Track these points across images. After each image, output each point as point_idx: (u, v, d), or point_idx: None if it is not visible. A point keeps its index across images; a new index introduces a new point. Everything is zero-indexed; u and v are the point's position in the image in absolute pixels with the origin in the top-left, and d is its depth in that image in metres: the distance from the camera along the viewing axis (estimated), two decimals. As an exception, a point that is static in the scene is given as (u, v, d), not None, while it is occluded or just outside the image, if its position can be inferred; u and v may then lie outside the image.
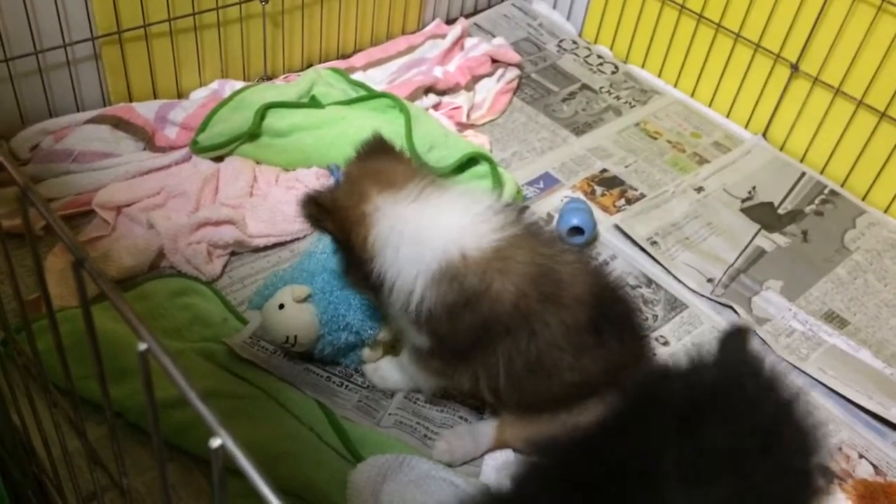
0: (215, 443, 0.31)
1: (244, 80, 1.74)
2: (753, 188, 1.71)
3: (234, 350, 1.25)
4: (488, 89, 1.86)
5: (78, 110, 1.55)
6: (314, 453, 1.13)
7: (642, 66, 2.02)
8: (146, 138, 1.54)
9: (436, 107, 1.76)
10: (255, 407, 1.19)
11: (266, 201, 1.48)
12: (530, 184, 1.66)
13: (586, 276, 1.07)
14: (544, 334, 1.03)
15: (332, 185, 1.06)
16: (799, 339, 1.41)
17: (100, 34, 1.50)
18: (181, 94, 1.67)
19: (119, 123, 1.53)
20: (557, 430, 1.11)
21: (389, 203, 1.03)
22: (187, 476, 1.10)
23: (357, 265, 1.05)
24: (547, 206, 1.60)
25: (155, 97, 1.64)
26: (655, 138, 1.83)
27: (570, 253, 1.10)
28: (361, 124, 1.57)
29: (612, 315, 1.10)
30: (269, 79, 1.77)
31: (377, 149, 1.12)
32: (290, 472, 1.09)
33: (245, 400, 1.19)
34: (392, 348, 1.26)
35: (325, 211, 1.05)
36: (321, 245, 1.29)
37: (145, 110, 1.57)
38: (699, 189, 1.70)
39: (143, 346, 0.34)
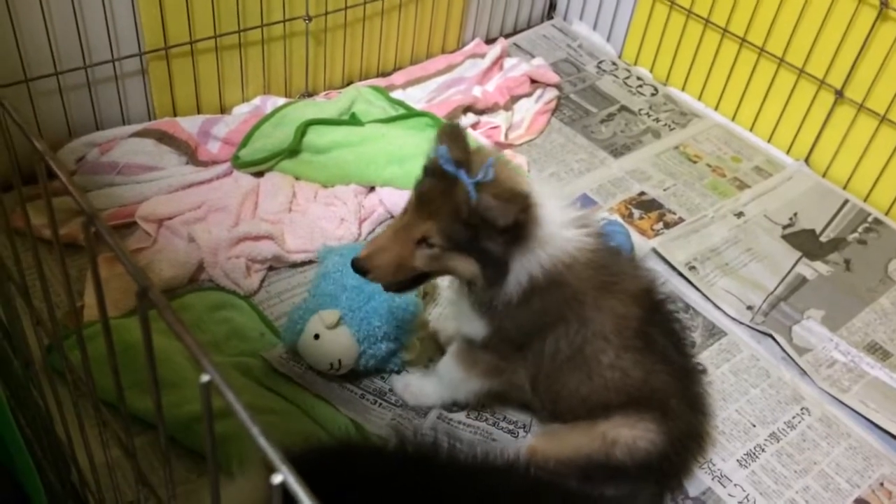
0: (277, 479, 0.30)
1: (286, 96, 1.76)
2: (795, 215, 1.69)
3: (272, 364, 1.26)
4: (527, 109, 1.86)
5: (124, 123, 1.58)
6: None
7: (682, 89, 2.01)
8: (189, 152, 1.57)
9: (474, 126, 1.76)
10: (289, 422, 1.19)
11: (305, 217, 1.49)
12: (568, 205, 1.65)
13: (641, 280, 1.12)
14: (594, 322, 1.06)
15: (485, 180, 0.97)
16: (840, 371, 1.38)
17: (147, 50, 1.52)
18: (224, 110, 1.69)
19: (163, 137, 1.56)
20: (591, 448, 1.11)
21: (545, 200, 1.05)
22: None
23: (496, 264, 1.02)
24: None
25: (199, 112, 1.66)
26: (695, 162, 1.81)
27: (629, 258, 1.15)
28: (401, 143, 1.58)
29: (660, 322, 1.11)
30: (311, 95, 1.79)
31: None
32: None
33: (280, 415, 1.20)
34: (424, 357, 1.27)
35: (529, 207, 1.02)
36: (330, 264, 1.29)
37: (189, 125, 1.60)
38: (739, 214, 1.68)
39: (205, 378, 0.34)
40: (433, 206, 0.99)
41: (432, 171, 1.00)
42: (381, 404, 1.24)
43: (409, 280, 1.06)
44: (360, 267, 1.02)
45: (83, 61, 1.46)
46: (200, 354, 0.33)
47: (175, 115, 1.63)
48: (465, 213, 0.97)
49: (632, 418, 1.09)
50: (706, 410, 1.19)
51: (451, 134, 1.02)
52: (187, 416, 1.14)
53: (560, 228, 1.04)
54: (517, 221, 0.97)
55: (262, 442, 0.32)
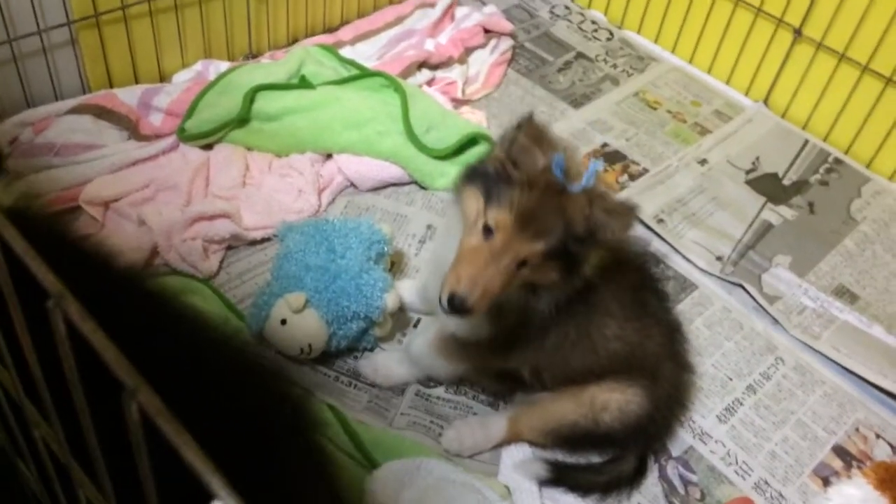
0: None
1: (228, 59, 1.66)
2: (757, 159, 1.68)
3: (237, 350, 1.21)
4: (482, 61, 1.80)
5: (57, 99, 1.47)
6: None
7: (638, 32, 1.97)
8: (130, 127, 1.47)
9: (430, 83, 1.70)
10: (263, 412, 1.15)
11: (260, 191, 1.42)
12: (531, 162, 1.61)
13: (632, 245, 1.10)
14: (601, 303, 1.03)
15: (556, 170, 0.88)
16: (811, 317, 1.39)
17: (76, 18, 1.41)
18: (163, 78, 1.59)
19: (101, 113, 1.45)
20: (578, 414, 1.10)
21: None
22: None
23: (574, 266, 0.94)
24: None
25: (136, 82, 1.56)
26: (655, 108, 1.78)
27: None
28: (356, 105, 1.51)
29: (650, 283, 1.13)
30: (255, 57, 1.69)
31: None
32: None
33: (252, 405, 1.15)
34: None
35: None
36: (291, 243, 1.23)
37: (128, 97, 1.50)
38: (702, 161, 1.66)
39: (134, 408, 0.29)
40: (542, 223, 0.88)
41: (529, 182, 0.88)
42: (356, 385, 1.20)
43: None
44: (464, 308, 0.89)
45: (6, 34, 1.35)
46: (125, 374, 0.28)
47: (111, 86, 1.53)
48: (580, 227, 0.88)
49: (622, 383, 1.08)
50: (692, 369, 1.19)
51: (532, 130, 0.91)
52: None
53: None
54: (630, 229, 0.93)
55: (200, 467, 0.28)
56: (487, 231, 0.90)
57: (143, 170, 1.43)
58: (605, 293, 1.03)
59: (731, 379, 1.29)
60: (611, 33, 1.96)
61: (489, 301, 0.90)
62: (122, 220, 1.35)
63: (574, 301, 0.99)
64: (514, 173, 0.89)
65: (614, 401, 1.08)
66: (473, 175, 0.95)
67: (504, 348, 1.06)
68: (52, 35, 1.40)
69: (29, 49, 1.39)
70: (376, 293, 1.18)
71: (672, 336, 1.16)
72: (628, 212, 0.91)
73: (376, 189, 1.49)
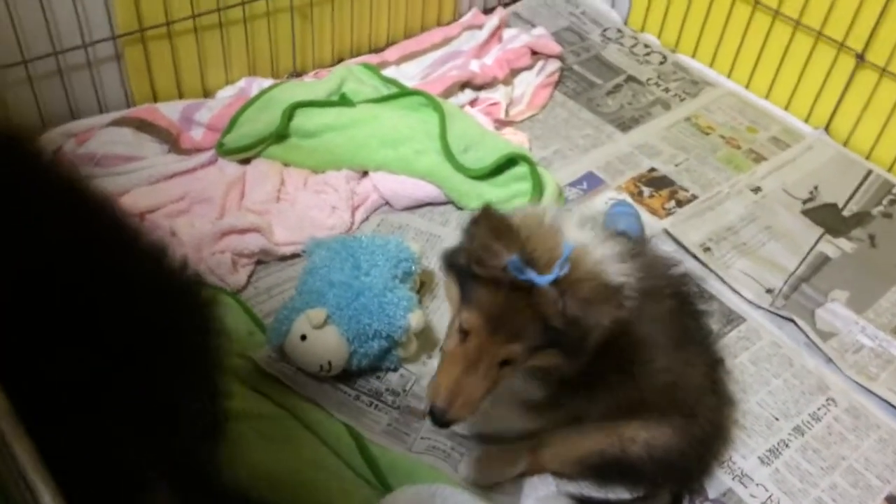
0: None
1: (272, 77, 1.66)
2: (815, 188, 1.59)
3: (260, 365, 1.19)
4: (528, 83, 1.76)
5: (101, 112, 1.50)
6: (339, 482, 1.06)
7: (693, 56, 1.90)
8: (171, 140, 1.48)
9: (472, 103, 1.67)
10: (278, 429, 1.12)
11: (294, 207, 1.41)
12: (573, 184, 1.56)
13: (671, 271, 1.03)
14: (646, 337, 0.96)
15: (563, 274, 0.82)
16: (868, 357, 1.29)
17: (121, 33, 1.43)
18: (207, 94, 1.60)
19: (142, 125, 1.47)
20: (605, 444, 1.03)
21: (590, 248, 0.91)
22: None
23: (576, 345, 0.88)
24: (590, 210, 1.49)
25: (180, 97, 1.57)
26: (707, 134, 1.71)
27: (659, 254, 1.07)
28: (394, 123, 1.49)
29: (689, 310, 1.05)
30: (299, 75, 1.69)
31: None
32: (316, 502, 1.02)
33: (268, 420, 1.12)
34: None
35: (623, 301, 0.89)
36: (317, 259, 1.20)
37: (170, 111, 1.51)
38: (756, 189, 1.58)
39: None
40: (514, 324, 0.83)
41: (494, 280, 0.82)
42: (376, 406, 1.16)
43: None
44: (444, 421, 0.86)
45: (52, 47, 1.37)
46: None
47: (155, 100, 1.55)
48: (557, 323, 0.82)
49: (654, 420, 1.00)
50: (734, 403, 1.12)
51: (491, 224, 0.84)
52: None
53: (612, 276, 0.89)
54: (615, 320, 0.84)
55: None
56: (464, 333, 0.86)
57: (180, 182, 1.43)
58: (649, 325, 0.97)
59: (777, 419, 1.20)
60: (664, 57, 1.91)
61: (473, 408, 0.86)
62: (157, 231, 1.35)
63: (612, 341, 0.90)
64: (479, 271, 0.83)
65: (643, 435, 1.01)
66: (451, 263, 0.90)
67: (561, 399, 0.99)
68: (97, 49, 1.43)
69: (74, 62, 1.42)
70: (399, 312, 1.14)
71: (714, 366, 1.08)
72: (608, 298, 0.83)
73: (411, 208, 1.46)
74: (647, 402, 1.01)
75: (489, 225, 0.84)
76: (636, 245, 1.00)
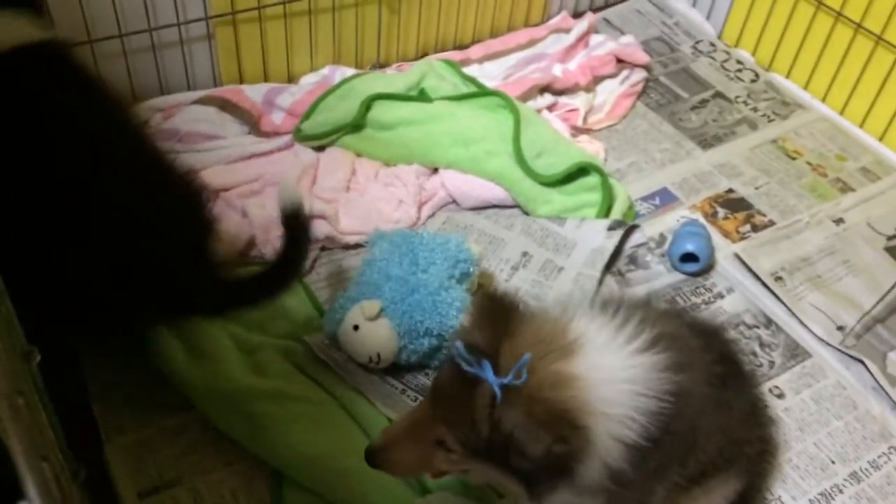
0: None
1: (356, 67, 1.69)
2: (903, 225, 1.51)
3: (313, 349, 1.21)
4: (610, 91, 1.73)
5: (189, 89, 1.55)
6: (378, 474, 1.07)
7: (787, 76, 1.83)
8: (252, 122, 1.52)
9: (551, 108, 1.65)
10: (323, 414, 1.14)
11: (362, 197, 1.43)
12: (645, 199, 1.52)
13: (707, 336, 0.93)
14: (693, 413, 0.83)
15: (516, 383, 0.73)
16: (941, 408, 1.23)
17: (214, 14, 1.48)
18: (291, 79, 1.64)
19: (226, 106, 1.51)
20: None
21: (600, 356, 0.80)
22: (248, 483, 1.06)
23: (542, 480, 0.79)
24: (660, 227, 1.46)
25: (266, 80, 1.61)
26: (794, 158, 1.65)
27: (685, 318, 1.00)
28: (468, 122, 1.49)
29: (724, 355, 0.96)
30: (382, 67, 1.71)
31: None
32: (349, 492, 1.03)
33: (314, 405, 1.14)
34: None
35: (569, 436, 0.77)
36: (377, 251, 1.21)
37: (254, 93, 1.55)
38: (839, 221, 1.51)
39: None
40: (448, 405, 0.78)
41: (450, 357, 0.77)
42: (422, 403, 1.17)
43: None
44: (370, 461, 0.83)
45: (147, 24, 1.43)
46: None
47: (241, 82, 1.59)
48: (484, 426, 0.74)
49: (714, 479, 0.92)
50: (778, 450, 1.06)
51: (487, 309, 0.78)
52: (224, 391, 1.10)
53: (630, 384, 0.76)
54: (551, 453, 0.72)
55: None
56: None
57: (256, 164, 1.47)
58: (693, 399, 0.82)
59: (833, 462, 1.15)
60: (756, 75, 1.84)
61: (403, 471, 0.85)
62: (229, 209, 1.39)
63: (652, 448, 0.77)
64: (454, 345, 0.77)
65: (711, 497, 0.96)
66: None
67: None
68: (190, 28, 1.48)
69: (168, 39, 1.47)
70: (452, 312, 1.15)
71: (756, 412, 1.00)
72: (552, 419, 0.72)
73: (477, 208, 1.46)
74: (705, 471, 0.90)
75: (482, 304, 0.79)
76: (659, 322, 0.84)
